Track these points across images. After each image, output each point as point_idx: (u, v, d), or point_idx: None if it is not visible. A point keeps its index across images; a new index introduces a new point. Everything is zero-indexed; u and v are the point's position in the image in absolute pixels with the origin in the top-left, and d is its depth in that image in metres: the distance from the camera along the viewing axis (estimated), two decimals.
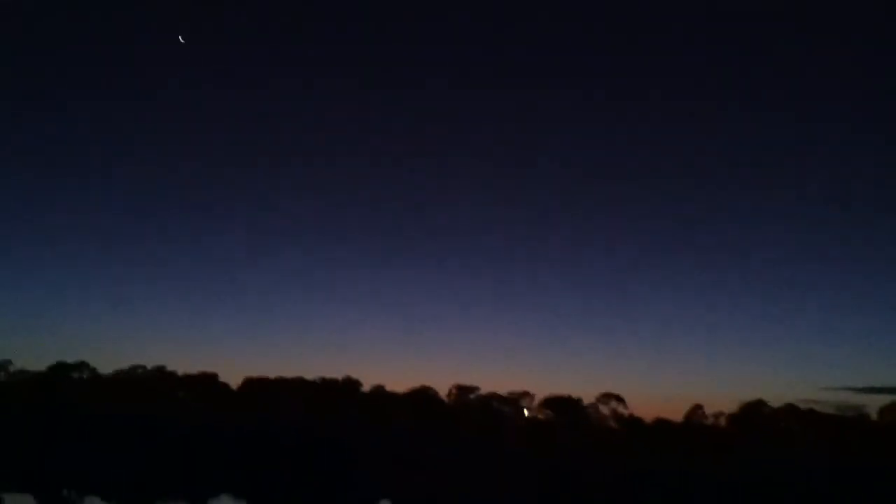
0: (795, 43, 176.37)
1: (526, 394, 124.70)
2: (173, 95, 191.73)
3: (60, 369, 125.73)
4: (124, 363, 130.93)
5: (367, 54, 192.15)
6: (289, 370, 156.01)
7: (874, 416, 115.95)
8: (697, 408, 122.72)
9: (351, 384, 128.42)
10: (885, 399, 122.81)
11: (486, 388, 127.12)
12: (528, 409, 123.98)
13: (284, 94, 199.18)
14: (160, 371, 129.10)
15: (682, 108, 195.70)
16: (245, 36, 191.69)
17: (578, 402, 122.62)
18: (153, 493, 63.29)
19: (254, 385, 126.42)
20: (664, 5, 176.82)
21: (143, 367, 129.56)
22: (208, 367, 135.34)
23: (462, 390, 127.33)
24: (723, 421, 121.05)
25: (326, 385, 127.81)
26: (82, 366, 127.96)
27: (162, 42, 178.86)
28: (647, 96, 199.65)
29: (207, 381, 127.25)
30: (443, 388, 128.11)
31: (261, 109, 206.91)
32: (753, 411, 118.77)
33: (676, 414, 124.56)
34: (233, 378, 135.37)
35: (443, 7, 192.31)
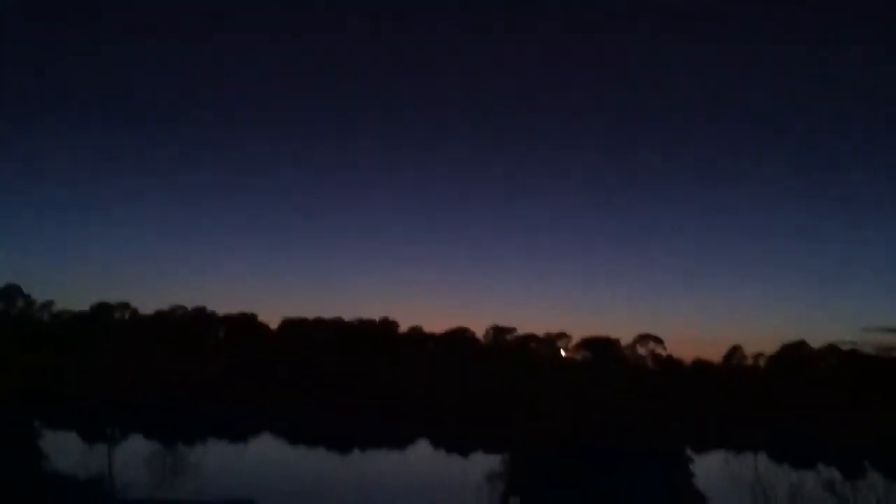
0: None
1: (563, 335, 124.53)
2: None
3: (102, 309, 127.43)
4: (164, 304, 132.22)
5: None
6: (327, 312, 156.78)
7: None
8: (736, 349, 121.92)
9: (388, 325, 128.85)
10: None
11: (522, 329, 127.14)
12: (564, 349, 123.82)
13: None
14: (199, 311, 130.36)
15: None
16: None
17: (616, 342, 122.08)
18: (194, 431, 63.80)
19: (292, 325, 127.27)
20: None
21: (184, 308, 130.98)
22: (247, 308, 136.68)
23: (499, 331, 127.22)
24: (762, 362, 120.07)
25: (364, 326, 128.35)
26: (123, 306, 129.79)
27: None
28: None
29: (246, 322, 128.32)
30: (480, 330, 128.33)
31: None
32: (794, 352, 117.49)
33: (716, 355, 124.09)
34: (271, 319, 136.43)
35: None
